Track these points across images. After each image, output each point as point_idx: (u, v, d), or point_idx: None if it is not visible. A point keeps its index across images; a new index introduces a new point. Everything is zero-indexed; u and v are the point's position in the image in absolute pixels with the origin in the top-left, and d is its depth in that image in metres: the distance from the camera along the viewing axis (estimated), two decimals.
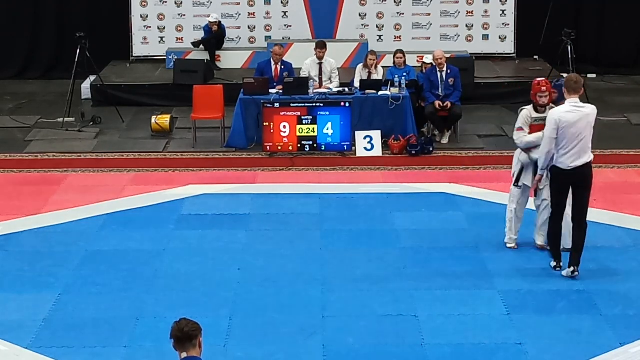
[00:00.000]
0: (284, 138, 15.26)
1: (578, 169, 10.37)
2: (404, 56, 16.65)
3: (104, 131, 16.71)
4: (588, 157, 10.42)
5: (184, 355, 6.10)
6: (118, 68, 20.00)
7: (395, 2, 20.45)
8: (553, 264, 10.87)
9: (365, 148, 15.37)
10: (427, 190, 13.72)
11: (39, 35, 20.92)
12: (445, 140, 15.99)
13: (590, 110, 10.46)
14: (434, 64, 16.08)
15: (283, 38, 20.21)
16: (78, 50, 17.08)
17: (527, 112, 11.19)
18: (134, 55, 20.54)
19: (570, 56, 17.45)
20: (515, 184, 11.32)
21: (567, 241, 10.90)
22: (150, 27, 20.44)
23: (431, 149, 15.39)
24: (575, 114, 10.31)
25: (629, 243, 11.61)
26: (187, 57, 19.55)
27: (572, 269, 10.58)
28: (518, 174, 11.29)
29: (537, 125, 11.05)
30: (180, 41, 20.40)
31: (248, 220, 12.54)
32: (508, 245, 11.42)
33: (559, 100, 10.92)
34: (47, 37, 20.92)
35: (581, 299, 10.16)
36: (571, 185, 10.53)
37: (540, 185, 11.03)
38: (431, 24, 20.42)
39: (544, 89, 11.03)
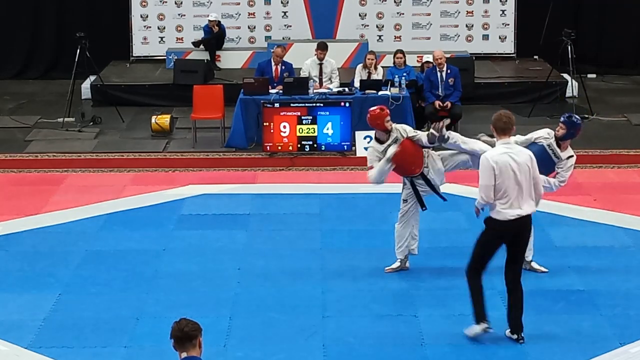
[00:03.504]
0: (284, 138, 15.25)
1: (519, 220, 8.86)
2: (404, 56, 16.65)
3: (104, 131, 16.70)
4: (530, 207, 8.92)
5: (184, 355, 6.10)
6: (118, 68, 20.00)
7: (395, 2, 20.45)
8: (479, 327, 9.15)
9: (365, 148, 15.29)
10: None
11: (39, 35, 20.91)
12: None
13: (525, 153, 8.92)
14: (434, 64, 16.09)
15: (283, 38, 20.20)
16: (78, 50, 17.08)
17: (375, 146, 10.61)
18: (134, 55, 20.53)
19: (570, 56, 17.43)
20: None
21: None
22: (150, 27, 20.43)
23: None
24: (511, 157, 8.80)
25: (629, 243, 11.60)
26: (187, 57, 19.55)
27: (515, 336, 9.16)
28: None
29: None
30: (180, 41, 20.39)
31: (248, 220, 12.54)
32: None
33: (565, 138, 10.03)
34: (47, 37, 20.91)
35: (581, 299, 10.16)
36: (506, 242, 9.01)
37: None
38: (431, 24, 20.41)
39: (387, 111, 10.52)
